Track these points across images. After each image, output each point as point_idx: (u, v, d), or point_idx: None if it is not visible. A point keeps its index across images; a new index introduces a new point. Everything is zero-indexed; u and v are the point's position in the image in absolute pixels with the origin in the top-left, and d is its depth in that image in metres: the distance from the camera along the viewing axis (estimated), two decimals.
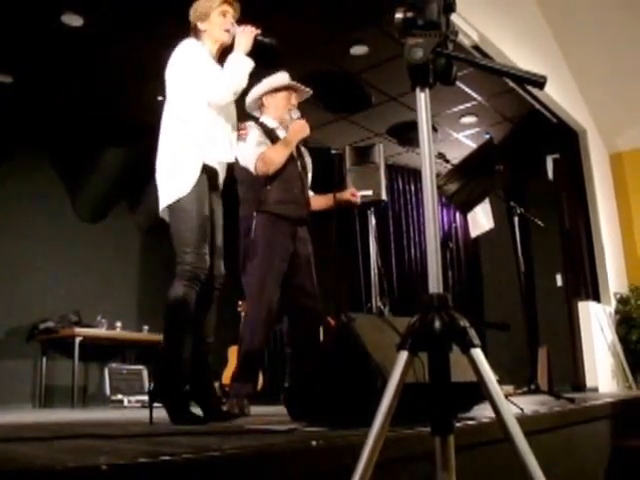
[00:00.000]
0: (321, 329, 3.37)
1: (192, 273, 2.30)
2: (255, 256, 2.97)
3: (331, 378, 1.89)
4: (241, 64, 2.42)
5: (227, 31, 2.53)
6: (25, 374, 5.90)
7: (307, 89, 3.27)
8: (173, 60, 2.47)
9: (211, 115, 2.45)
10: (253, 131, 3.04)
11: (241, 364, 2.97)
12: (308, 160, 3.37)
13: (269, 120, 3.21)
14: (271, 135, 3.13)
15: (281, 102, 3.21)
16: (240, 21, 2.62)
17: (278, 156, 3.03)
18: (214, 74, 2.41)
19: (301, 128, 3.11)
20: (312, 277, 3.12)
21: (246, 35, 2.46)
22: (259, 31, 2.50)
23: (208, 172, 2.43)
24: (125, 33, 4.54)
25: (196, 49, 2.47)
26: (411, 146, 6.75)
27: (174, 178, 2.37)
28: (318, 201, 3.34)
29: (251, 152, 3.02)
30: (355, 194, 3.40)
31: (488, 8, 4.70)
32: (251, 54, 2.47)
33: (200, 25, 2.54)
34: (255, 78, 3.19)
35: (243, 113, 3.19)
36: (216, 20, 2.53)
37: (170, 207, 2.38)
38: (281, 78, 3.22)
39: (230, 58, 2.44)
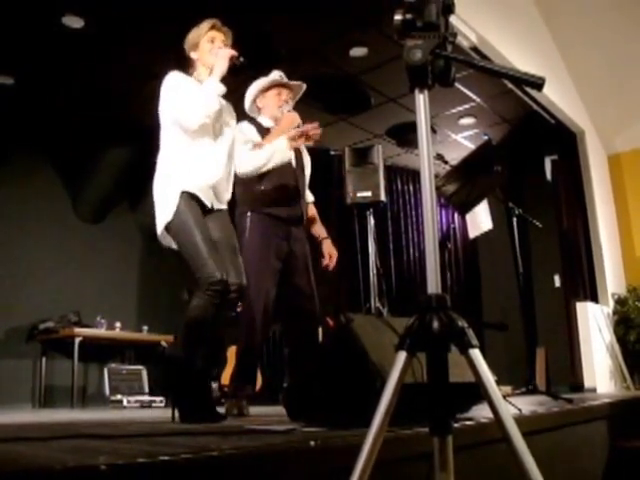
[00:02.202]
0: (320, 330, 3.36)
1: (204, 285, 2.39)
2: (250, 256, 2.97)
3: (330, 378, 1.90)
4: (211, 90, 2.51)
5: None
6: (25, 374, 5.88)
7: (298, 83, 3.26)
8: (160, 95, 2.59)
9: (192, 140, 2.55)
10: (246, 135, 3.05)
11: (239, 365, 2.97)
12: (307, 159, 3.36)
13: (265, 120, 3.21)
14: (265, 134, 3.12)
15: (271, 100, 3.21)
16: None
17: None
18: (186, 102, 2.50)
19: (288, 121, 3.07)
20: (309, 277, 3.11)
21: (221, 59, 2.54)
22: (235, 53, 2.57)
23: (193, 198, 2.53)
24: (125, 35, 4.54)
25: (174, 81, 2.58)
26: (410, 147, 6.76)
27: (159, 206, 2.54)
28: (312, 223, 3.34)
29: (241, 153, 3.02)
30: (332, 259, 3.26)
31: (487, 10, 4.70)
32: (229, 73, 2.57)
33: (192, 55, 2.68)
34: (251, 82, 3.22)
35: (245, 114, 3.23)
36: (205, 47, 2.65)
37: (165, 232, 2.54)
38: (268, 77, 3.21)
39: (204, 84, 2.55)
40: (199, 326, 2.42)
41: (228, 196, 2.76)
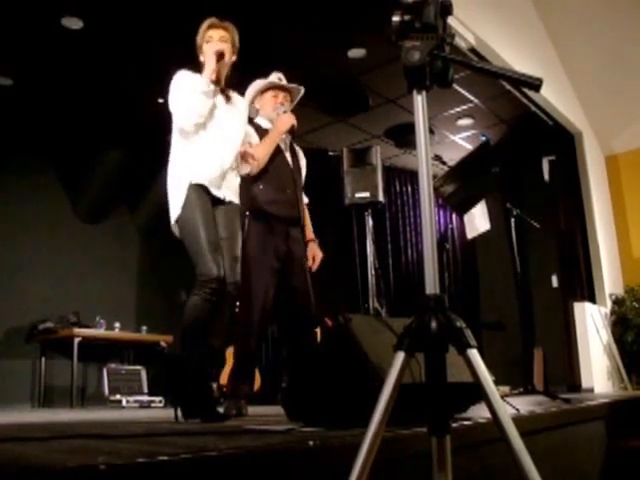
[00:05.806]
0: (319, 330, 3.36)
1: (200, 282, 2.45)
2: (248, 255, 2.98)
3: (328, 378, 1.90)
4: (198, 90, 2.53)
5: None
6: (24, 374, 5.88)
7: (295, 86, 3.26)
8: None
9: (200, 135, 2.59)
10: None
11: (237, 364, 2.97)
12: (302, 161, 3.36)
13: (262, 121, 3.22)
14: (263, 135, 3.13)
15: (268, 102, 3.22)
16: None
17: (258, 155, 3.01)
18: (181, 104, 2.54)
19: (284, 122, 3.08)
20: (306, 277, 3.11)
21: (209, 57, 2.58)
22: (220, 48, 2.60)
23: (204, 189, 2.58)
24: (124, 36, 4.53)
25: (177, 81, 2.61)
26: (408, 148, 6.76)
27: (171, 200, 2.60)
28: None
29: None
30: (315, 261, 3.24)
31: (485, 11, 4.71)
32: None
33: (200, 57, 2.71)
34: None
35: None
36: (205, 49, 2.67)
37: (176, 225, 2.59)
38: (265, 79, 3.22)
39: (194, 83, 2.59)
40: (196, 324, 2.44)
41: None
